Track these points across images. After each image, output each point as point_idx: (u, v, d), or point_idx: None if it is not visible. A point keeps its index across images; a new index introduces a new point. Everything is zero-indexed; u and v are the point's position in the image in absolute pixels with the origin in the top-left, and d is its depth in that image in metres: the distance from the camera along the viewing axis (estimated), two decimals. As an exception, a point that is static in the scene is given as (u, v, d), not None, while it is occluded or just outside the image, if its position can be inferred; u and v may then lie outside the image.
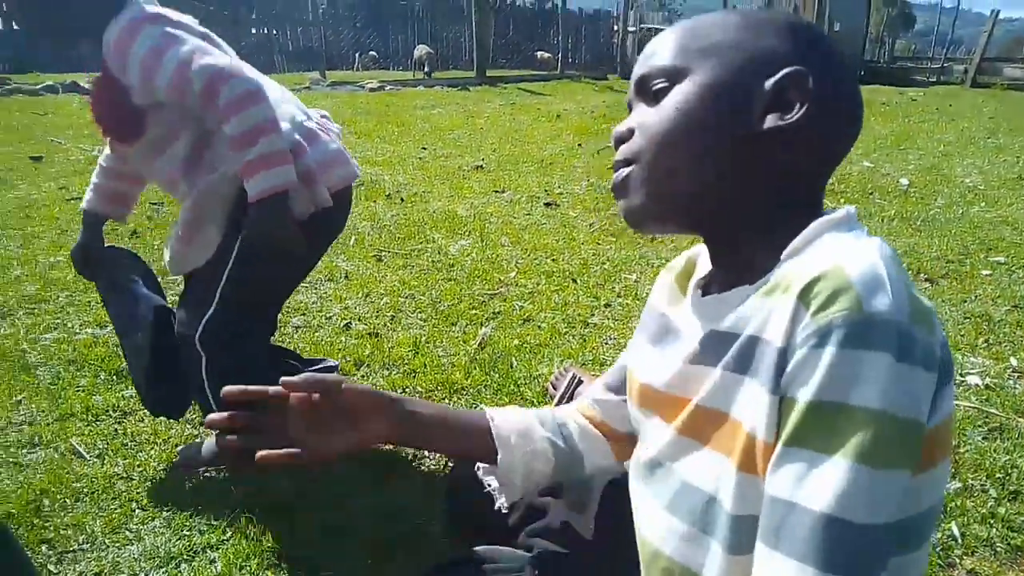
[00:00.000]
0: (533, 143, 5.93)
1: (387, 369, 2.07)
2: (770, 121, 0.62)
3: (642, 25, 13.95)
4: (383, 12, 16.22)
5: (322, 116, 1.66)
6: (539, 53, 14.69)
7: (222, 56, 1.38)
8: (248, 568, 1.31)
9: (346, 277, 2.80)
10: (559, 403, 1.72)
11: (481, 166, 4.96)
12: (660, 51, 0.68)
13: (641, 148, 0.67)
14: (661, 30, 0.72)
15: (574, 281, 2.76)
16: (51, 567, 1.31)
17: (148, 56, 1.33)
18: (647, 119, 0.67)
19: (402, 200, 4.01)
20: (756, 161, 0.64)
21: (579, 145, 5.77)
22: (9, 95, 8.78)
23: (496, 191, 4.27)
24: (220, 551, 1.35)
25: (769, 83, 0.63)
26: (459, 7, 16.48)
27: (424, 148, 5.64)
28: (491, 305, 2.56)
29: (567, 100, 9.22)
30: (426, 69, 12.66)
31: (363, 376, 2.03)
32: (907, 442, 0.52)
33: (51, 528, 1.41)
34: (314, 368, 1.96)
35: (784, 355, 0.55)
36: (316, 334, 2.31)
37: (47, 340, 2.21)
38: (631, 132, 0.69)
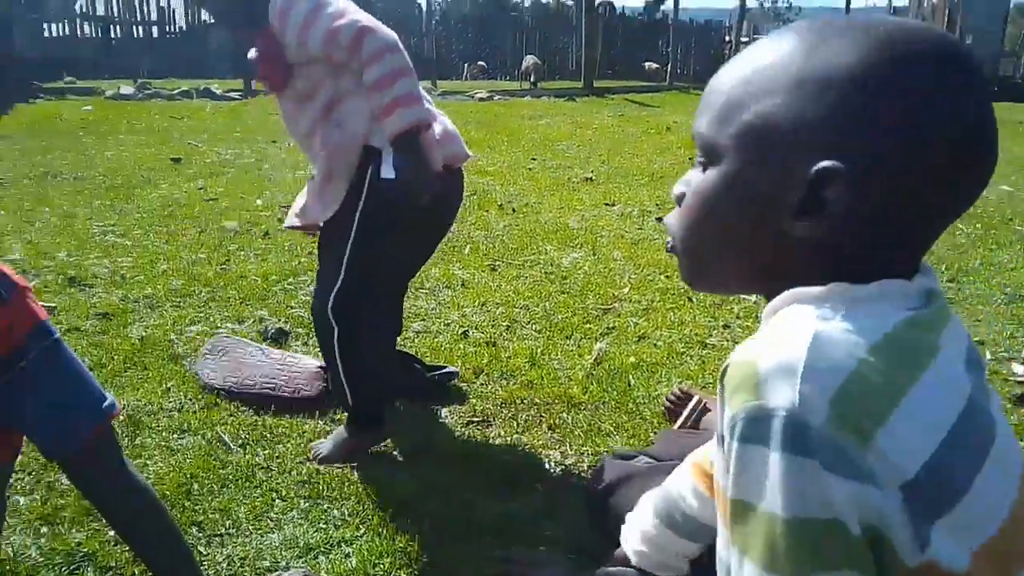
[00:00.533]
0: (642, 155, 5.89)
1: (505, 379, 2.11)
2: (802, 230, 0.56)
3: (755, 36, 13.59)
4: (493, 23, 16.50)
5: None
6: (647, 64, 14.55)
7: (366, 15, 1.57)
8: (381, 566, 1.36)
9: (463, 285, 2.87)
10: (682, 427, 1.71)
11: (591, 178, 4.97)
12: (705, 110, 0.62)
13: (674, 229, 0.65)
14: None
15: (690, 300, 2.72)
16: (201, 548, 1.41)
17: (308, 14, 1.54)
18: (689, 195, 0.63)
19: (514, 210, 4.07)
20: (797, 249, 0.57)
21: (690, 159, 5.67)
22: (149, 99, 9.49)
23: (607, 204, 4.26)
24: (354, 546, 1.41)
25: (807, 173, 0.54)
26: (568, 17, 16.56)
27: (534, 159, 5.70)
28: (605, 320, 2.56)
29: (677, 112, 9.09)
30: (532, 79, 12.79)
31: (481, 385, 2.08)
32: (813, 545, 0.50)
33: (200, 511, 1.51)
34: (436, 374, 2.02)
35: (722, 440, 0.55)
36: (436, 340, 2.38)
37: (191, 332, 2.37)
38: (681, 196, 0.65)
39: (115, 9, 14.77)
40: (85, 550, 1.38)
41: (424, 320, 2.54)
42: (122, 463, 1.09)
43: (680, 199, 0.65)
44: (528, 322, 2.54)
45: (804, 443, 0.49)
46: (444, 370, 2.06)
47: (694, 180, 0.63)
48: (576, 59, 14.42)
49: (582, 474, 1.67)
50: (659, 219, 3.87)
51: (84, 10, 15.52)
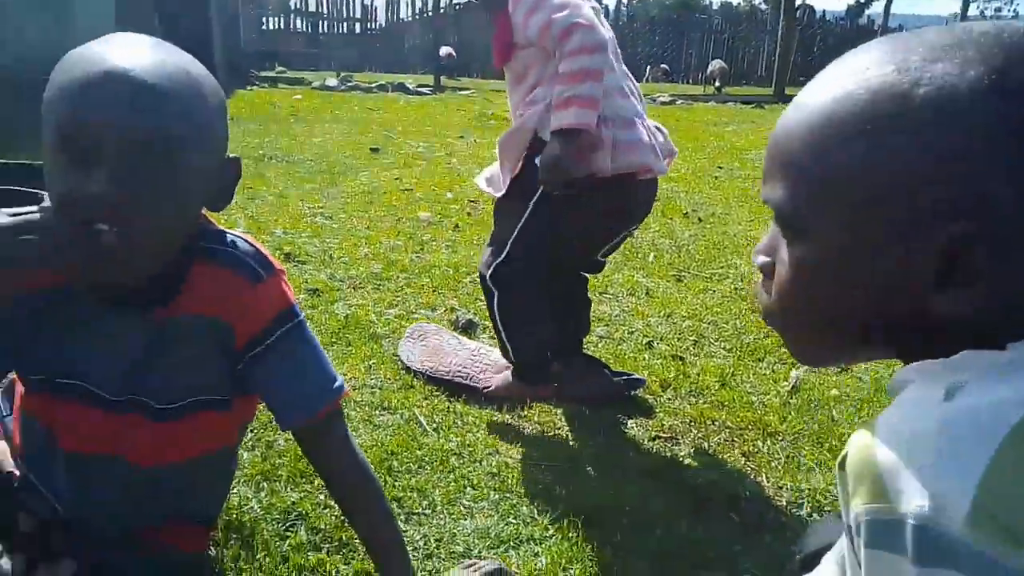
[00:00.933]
0: (840, 171, 5.51)
1: (693, 396, 2.04)
2: (946, 305, 0.45)
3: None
4: (680, 25, 16.16)
5: (656, 127, 1.87)
6: (844, 72, 13.62)
7: (587, 11, 1.65)
8: (571, 572, 1.36)
9: (647, 294, 2.82)
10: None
11: (782, 192, 4.72)
12: (772, 168, 0.51)
13: (771, 307, 0.54)
14: None
15: (898, 333, 2.50)
16: (400, 523, 1.47)
17: (534, 3, 1.67)
18: (782, 272, 0.52)
19: (700, 220, 3.95)
20: (938, 323, 0.47)
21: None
22: (350, 91, 10.20)
23: (800, 220, 4.03)
24: (543, 546, 1.42)
25: (938, 239, 0.44)
26: (760, 20, 15.87)
27: (719, 167, 5.51)
28: (800, 345, 2.41)
29: (877, 126, 8.43)
30: (717, 84, 12.38)
31: (668, 400, 2.03)
32: None
33: (399, 488, 1.58)
34: (623, 380, 2.00)
35: (850, 532, 0.48)
36: (619, 347, 2.35)
37: (390, 315, 2.51)
38: (768, 266, 0.55)
39: (325, 5, 16.01)
40: (299, 510, 1.49)
41: (607, 326, 2.52)
42: (347, 440, 1.13)
43: (767, 270, 0.55)
44: (716, 339, 2.45)
45: (942, 553, 0.40)
46: (630, 377, 2.03)
47: (782, 251, 0.52)
48: (766, 64, 13.79)
49: (780, 509, 1.58)
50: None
51: (297, 6, 16.96)
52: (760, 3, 17.21)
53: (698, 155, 6.03)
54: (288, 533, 1.41)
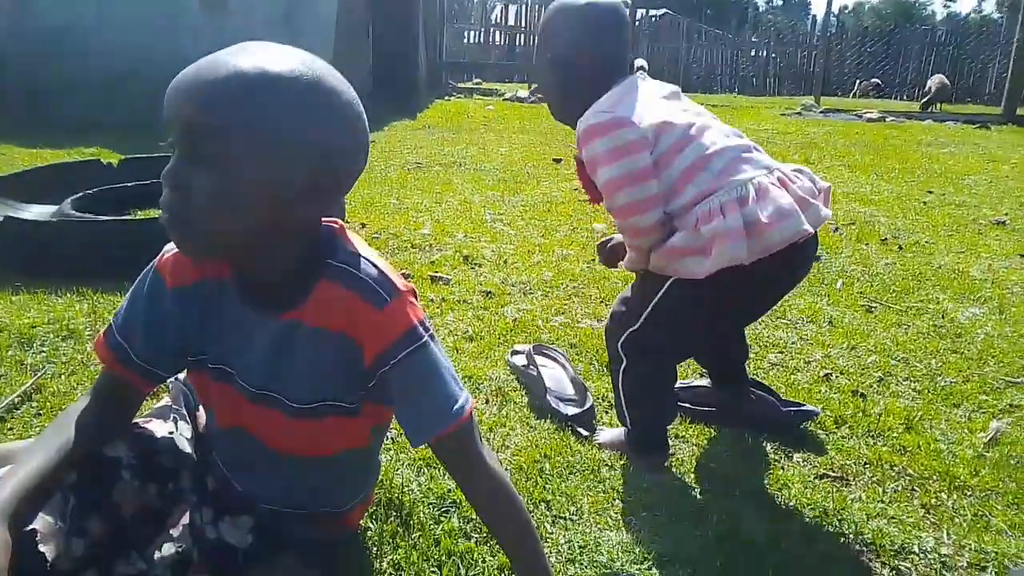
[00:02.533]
0: (1080, 202, 4.82)
1: (872, 437, 1.89)
2: None
3: None
4: (897, 37, 14.89)
5: (794, 170, 1.60)
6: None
7: (643, 190, 1.55)
8: (716, 600, 1.32)
9: (830, 323, 2.64)
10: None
11: (1003, 222, 4.21)
12: None
13: None
14: None
15: None
16: (547, 525, 1.50)
17: (589, 162, 1.63)
18: None
19: (900, 248, 3.63)
20: None
21: None
22: (539, 103, 10.44)
23: (1022, 255, 3.58)
24: (691, 569, 1.38)
25: None
26: (993, 33, 14.25)
27: (930, 191, 5.03)
28: (1007, 395, 2.14)
29: None
30: (926, 100, 11.28)
31: (842, 437, 1.89)
32: None
33: (549, 491, 1.61)
34: (793, 411, 1.89)
35: None
36: (792, 376, 2.23)
37: (556, 322, 2.56)
38: None
39: (524, 19, 16.57)
40: (454, 498, 1.56)
41: (782, 353, 2.39)
42: (479, 455, 1.12)
43: None
44: (905, 378, 2.24)
45: None
46: (802, 408, 1.92)
47: None
48: (997, 81, 12.35)
49: (957, 568, 1.42)
50: (1098, 283, 3.13)
51: (498, 20, 17.71)
52: (994, 13, 15.43)
53: (905, 177, 5.53)
54: (442, 518, 1.49)
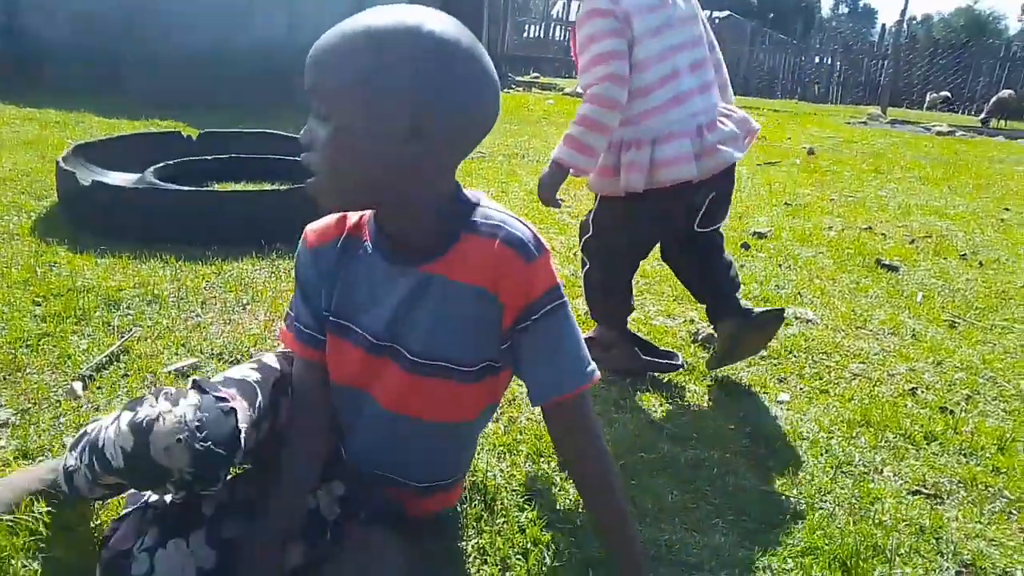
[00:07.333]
0: None
1: (964, 456, 1.82)
2: None
3: None
4: (969, 50, 14.42)
5: (726, 113, 1.92)
6: None
7: (614, 68, 1.76)
8: (813, 611, 1.27)
9: (912, 336, 2.56)
10: None
11: (1089, 245, 4.03)
12: None
13: None
14: None
15: None
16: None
17: (580, 43, 1.83)
18: None
19: (980, 264, 3.50)
20: None
21: None
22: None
23: (1110, 279, 3.42)
24: (781, 578, 1.35)
25: None
26: (1074, 48, 13.72)
27: (1007, 209, 4.85)
28: (1104, 422, 2.04)
29: None
30: (990, 113, 10.89)
31: (933, 454, 1.82)
32: None
33: (634, 488, 1.57)
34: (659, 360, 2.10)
35: None
36: (875, 388, 2.16)
37: (628, 319, 2.52)
38: None
39: (584, 15, 16.42)
40: (539, 485, 1.55)
41: (864, 363, 2.32)
42: (594, 424, 1.14)
43: None
44: (994, 397, 2.16)
45: None
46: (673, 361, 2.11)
47: None
48: (1076, 99, 11.88)
49: (1068, 601, 1.36)
50: None
51: (559, 15, 17.63)
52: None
53: (981, 193, 5.35)
54: (526, 506, 1.48)
